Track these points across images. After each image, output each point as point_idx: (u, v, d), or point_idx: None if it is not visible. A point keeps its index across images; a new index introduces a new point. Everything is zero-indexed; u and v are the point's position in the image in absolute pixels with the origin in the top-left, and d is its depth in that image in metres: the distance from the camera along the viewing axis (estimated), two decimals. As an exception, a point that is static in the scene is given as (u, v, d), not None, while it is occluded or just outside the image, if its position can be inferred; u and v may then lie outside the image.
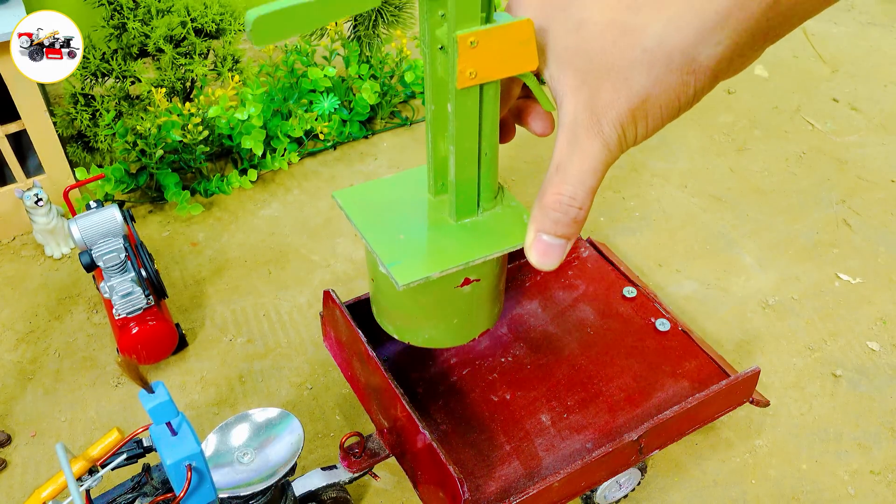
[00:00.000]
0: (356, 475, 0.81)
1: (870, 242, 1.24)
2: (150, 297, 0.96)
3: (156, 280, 0.97)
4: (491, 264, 0.73)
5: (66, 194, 1.05)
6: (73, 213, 0.99)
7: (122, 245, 0.94)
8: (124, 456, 0.63)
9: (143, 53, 1.28)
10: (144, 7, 1.25)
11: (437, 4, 0.59)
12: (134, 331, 0.96)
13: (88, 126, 1.22)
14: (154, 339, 0.98)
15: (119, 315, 0.95)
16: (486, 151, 0.68)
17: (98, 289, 0.98)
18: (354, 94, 1.43)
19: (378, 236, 0.71)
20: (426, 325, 0.77)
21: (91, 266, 0.93)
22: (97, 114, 1.22)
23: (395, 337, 0.80)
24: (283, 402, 0.98)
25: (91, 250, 0.93)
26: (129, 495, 0.63)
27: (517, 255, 0.96)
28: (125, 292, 0.94)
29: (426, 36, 0.62)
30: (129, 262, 0.94)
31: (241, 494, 0.64)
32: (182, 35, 1.27)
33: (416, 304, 0.75)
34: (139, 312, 0.96)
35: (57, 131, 1.18)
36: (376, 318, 0.80)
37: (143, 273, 0.96)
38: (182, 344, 1.04)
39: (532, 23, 0.58)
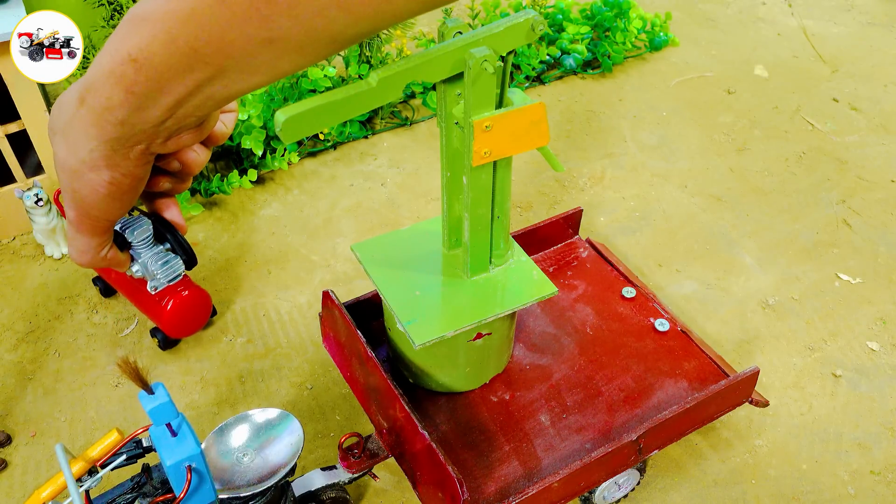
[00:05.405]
0: (356, 475, 0.81)
1: (870, 242, 1.24)
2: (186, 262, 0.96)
3: (187, 245, 0.96)
4: (502, 319, 0.77)
5: (56, 198, 1.05)
6: (65, 217, 0.99)
7: (148, 220, 0.93)
8: (124, 456, 0.63)
9: (143, 53, 1.28)
10: (144, 7, 1.25)
11: (454, 86, 0.63)
12: (171, 304, 0.97)
13: (88, 126, 1.22)
14: (192, 307, 1.00)
15: (160, 285, 0.95)
16: (497, 214, 0.72)
17: (115, 284, 0.98)
18: (354, 94, 1.43)
19: (395, 293, 0.75)
20: (440, 373, 0.81)
21: (125, 243, 0.92)
22: (97, 114, 1.22)
23: (411, 381, 0.83)
24: (283, 402, 0.98)
25: (119, 228, 0.93)
26: (129, 496, 0.63)
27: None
28: (163, 261, 0.93)
29: (443, 111, 0.65)
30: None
31: (241, 495, 0.64)
32: (182, 35, 1.27)
33: (430, 356, 0.79)
34: (172, 284, 0.97)
35: (57, 131, 1.17)
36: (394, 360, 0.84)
37: (174, 239, 0.95)
38: (213, 312, 1.06)
39: (544, 105, 0.61)
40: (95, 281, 1.12)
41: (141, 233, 0.93)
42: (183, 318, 1.00)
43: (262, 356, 1.04)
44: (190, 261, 0.98)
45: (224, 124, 0.51)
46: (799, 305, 1.13)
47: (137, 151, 0.44)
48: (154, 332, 1.05)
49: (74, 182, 0.46)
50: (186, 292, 0.99)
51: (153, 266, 0.94)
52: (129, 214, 0.95)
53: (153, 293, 0.97)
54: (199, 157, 0.51)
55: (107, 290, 1.12)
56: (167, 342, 1.05)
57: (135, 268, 0.95)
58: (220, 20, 0.37)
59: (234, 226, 1.25)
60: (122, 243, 0.94)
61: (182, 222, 0.61)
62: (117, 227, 0.93)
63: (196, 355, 1.04)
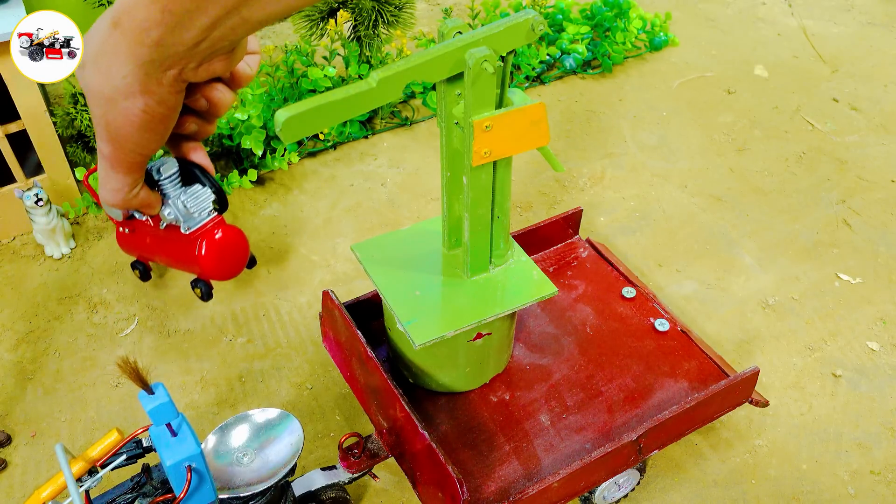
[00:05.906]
0: (356, 475, 0.81)
1: (870, 242, 1.24)
2: (215, 197, 0.93)
3: (216, 183, 0.95)
4: (502, 319, 0.77)
5: (85, 179, 1.04)
6: (97, 199, 0.97)
7: (174, 158, 0.92)
8: (124, 456, 0.63)
9: (143, 53, 1.28)
10: (144, 7, 1.25)
11: (454, 86, 0.63)
12: (204, 245, 0.94)
13: (88, 126, 1.22)
14: (228, 246, 0.96)
15: (193, 223, 0.92)
16: (497, 214, 0.72)
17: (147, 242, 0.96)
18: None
19: (396, 293, 0.75)
20: (440, 373, 0.81)
21: (153, 183, 0.91)
22: (97, 114, 1.22)
23: (411, 381, 0.83)
24: (283, 402, 0.98)
25: (150, 169, 0.91)
26: (129, 495, 0.63)
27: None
28: (192, 194, 0.91)
29: (443, 111, 0.65)
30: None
31: (241, 495, 0.64)
32: (182, 35, 1.26)
33: (430, 356, 0.79)
34: (204, 225, 0.94)
35: (57, 131, 1.18)
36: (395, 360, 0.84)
37: (204, 176, 0.93)
38: (252, 262, 1.04)
39: (544, 105, 0.61)
40: (134, 265, 1.10)
41: (167, 168, 0.91)
42: (220, 258, 0.97)
43: (262, 356, 1.04)
44: (220, 195, 0.96)
45: (248, 65, 0.52)
46: (799, 305, 1.13)
47: (171, 77, 0.45)
48: (195, 284, 1.02)
49: (109, 112, 0.46)
50: (220, 233, 0.97)
51: (183, 199, 0.91)
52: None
53: (187, 233, 0.95)
54: (224, 97, 0.52)
55: (145, 274, 1.10)
56: (209, 291, 1.03)
57: (166, 211, 0.93)
58: None
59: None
60: (150, 183, 0.92)
61: (210, 164, 0.62)
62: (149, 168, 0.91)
63: (196, 355, 1.04)
